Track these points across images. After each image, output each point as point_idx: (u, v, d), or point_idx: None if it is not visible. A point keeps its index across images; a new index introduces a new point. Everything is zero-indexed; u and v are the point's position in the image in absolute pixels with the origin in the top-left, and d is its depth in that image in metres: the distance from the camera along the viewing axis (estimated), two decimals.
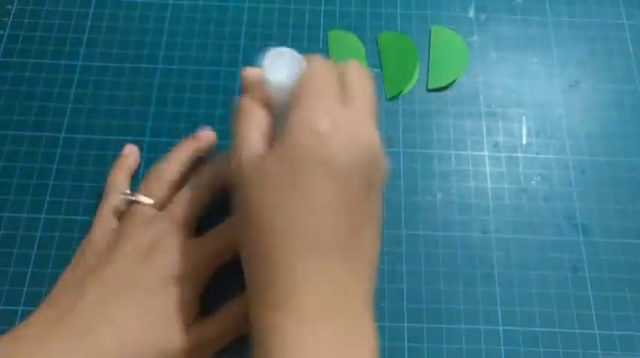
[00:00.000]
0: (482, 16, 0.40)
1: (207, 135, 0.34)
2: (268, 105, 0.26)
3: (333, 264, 0.22)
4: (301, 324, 0.21)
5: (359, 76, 0.25)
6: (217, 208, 0.33)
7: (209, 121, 0.36)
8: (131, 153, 0.34)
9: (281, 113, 0.25)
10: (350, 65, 0.26)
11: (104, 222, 0.30)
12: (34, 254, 0.32)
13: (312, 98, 0.24)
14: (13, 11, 0.39)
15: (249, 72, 0.27)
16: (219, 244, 0.29)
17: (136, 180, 0.34)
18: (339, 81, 0.25)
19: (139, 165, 0.34)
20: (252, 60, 0.38)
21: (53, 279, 0.31)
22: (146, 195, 0.30)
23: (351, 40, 0.39)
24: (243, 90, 0.27)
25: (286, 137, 0.23)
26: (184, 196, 0.30)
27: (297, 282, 0.22)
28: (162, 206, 0.30)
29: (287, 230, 0.22)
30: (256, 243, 0.23)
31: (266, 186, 0.23)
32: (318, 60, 0.25)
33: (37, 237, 0.32)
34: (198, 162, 0.33)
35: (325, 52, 0.38)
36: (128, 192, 0.31)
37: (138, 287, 0.26)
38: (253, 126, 0.25)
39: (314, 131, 0.22)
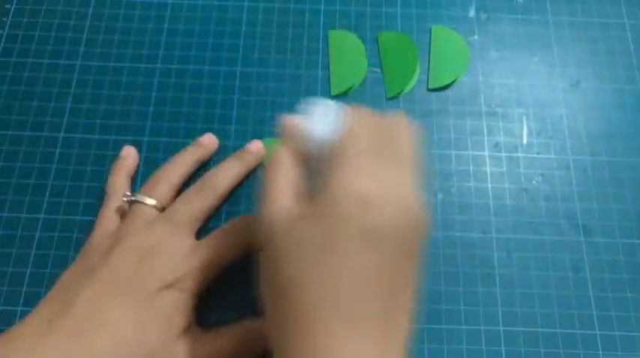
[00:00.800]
0: (483, 16, 0.40)
1: (209, 141, 0.34)
2: (303, 158, 0.25)
3: (370, 338, 0.21)
4: None
5: (402, 129, 0.25)
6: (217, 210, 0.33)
7: (208, 121, 0.36)
8: (129, 155, 0.34)
9: (318, 169, 0.24)
10: (393, 117, 0.25)
11: (105, 225, 0.30)
12: (33, 254, 0.32)
13: (354, 158, 0.22)
14: (12, 10, 0.39)
15: (289, 121, 0.25)
16: (218, 249, 0.29)
17: (135, 182, 0.34)
18: (381, 134, 0.24)
19: (138, 165, 0.34)
20: (251, 59, 0.38)
21: (52, 280, 0.31)
22: (149, 195, 0.30)
23: (351, 39, 0.39)
24: (280, 138, 0.25)
25: (326, 199, 0.22)
26: (187, 199, 0.30)
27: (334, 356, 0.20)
28: (162, 209, 0.30)
29: (324, 300, 0.21)
30: (288, 315, 0.21)
31: (301, 251, 0.21)
32: (361, 115, 0.25)
33: (36, 237, 0.32)
34: (200, 167, 0.34)
35: (325, 51, 0.38)
36: (129, 193, 0.31)
37: (134, 289, 0.26)
38: (287, 183, 0.23)
39: (356, 195, 0.21)
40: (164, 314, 0.26)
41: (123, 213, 0.31)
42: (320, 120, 0.24)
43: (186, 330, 0.27)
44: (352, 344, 0.20)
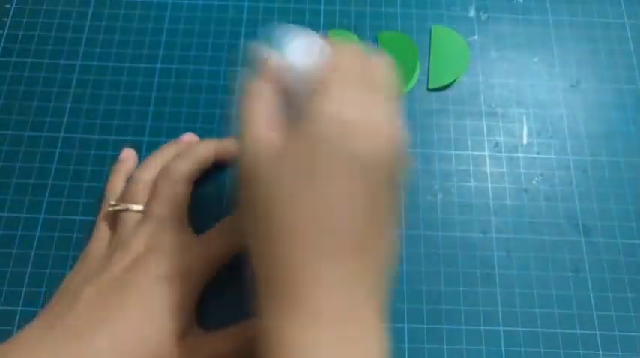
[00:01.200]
0: (483, 16, 0.40)
1: (189, 138, 0.34)
2: (281, 90, 0.24)
3: (350, 264, 0.21)
4: (316, 327, 0.20)
5: (383, 64, 0.24)
6: (214, 207, 0.33)
7: (208, 121, 0.36)
8: (129, 158, 0.34)
9: (298, 100, 0.23)
10: (374, 56, 0.25)
11: (103, 230, 0.30)
12: (32, 254, 0.32)
13: (339, 86, 0.22)
14: (12, 10, 0.39)
15: (267, 53, 0.24)
16: (213, 245, 0.29)
17: None
18: (364, 67, 0.23)
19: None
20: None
21: (52, 280, 0.31)
22: (132, 201, 0.30)
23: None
24: (254, 69, 0.24)
25: (308, 124, 0.21)
26: (158, 194, 0.30)
27: (313, 285, 0.21)
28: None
29: (305, 223, 0.21)
30: (269, 238, 0.22)
31: (283, 176, 0.21)
32: (344, 45, 0.24)
33: (36, 237, 0.32)
34: None
35: None
36: (113, 203, 0.31)
37: (132, 289, 0.26)
38: (265, 110, 0.23)
39: (340, 120, 0.21)
40: (163, 313, 0.26)
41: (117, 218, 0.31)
42: (300, 50, 0.23)
43: (187, 331, 0.27)
44: (331, 268, 0.21)
